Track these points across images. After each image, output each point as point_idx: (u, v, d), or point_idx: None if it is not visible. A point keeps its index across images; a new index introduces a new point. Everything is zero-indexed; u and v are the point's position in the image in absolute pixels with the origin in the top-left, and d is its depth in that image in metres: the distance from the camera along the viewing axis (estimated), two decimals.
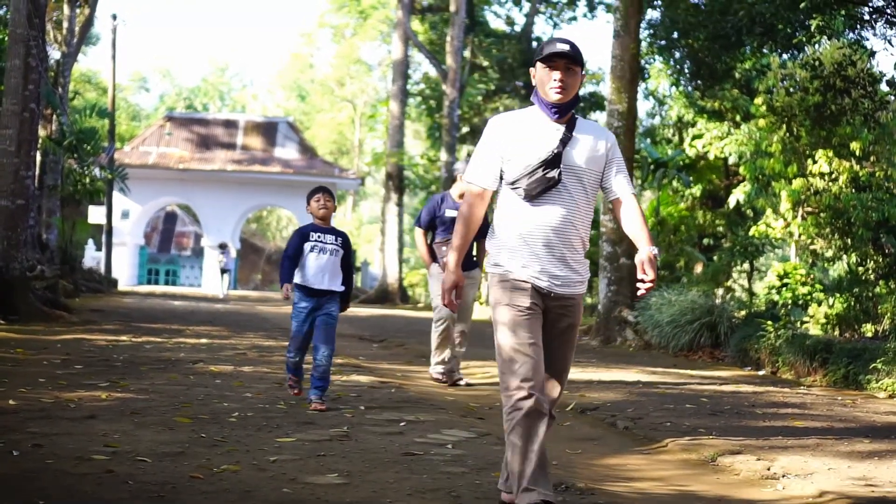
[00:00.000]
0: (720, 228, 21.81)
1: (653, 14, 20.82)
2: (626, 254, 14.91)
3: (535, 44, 34.12)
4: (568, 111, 4.11)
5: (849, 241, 13.30)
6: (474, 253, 8.88)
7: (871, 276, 13.09)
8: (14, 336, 11.28)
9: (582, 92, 28.08)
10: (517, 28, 35.45)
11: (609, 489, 4.85)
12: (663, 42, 20.54)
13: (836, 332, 12.38)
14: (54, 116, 23.79)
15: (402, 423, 6.52)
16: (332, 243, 7.15)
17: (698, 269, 20.31)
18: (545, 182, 4.00)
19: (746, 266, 19.56)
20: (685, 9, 19.37)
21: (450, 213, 8.81)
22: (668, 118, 22.94)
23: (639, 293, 4.11)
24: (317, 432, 6.00)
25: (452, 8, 29.33)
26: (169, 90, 70.13)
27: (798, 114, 13.87)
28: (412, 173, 34.31)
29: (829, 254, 14.14)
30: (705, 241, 21.83)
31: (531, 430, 3.89)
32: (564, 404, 7.57)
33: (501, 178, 4.13)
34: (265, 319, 18.42)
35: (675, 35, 19.94)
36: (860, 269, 13.30)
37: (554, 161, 4.01)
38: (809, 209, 14.04)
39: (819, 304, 12.90)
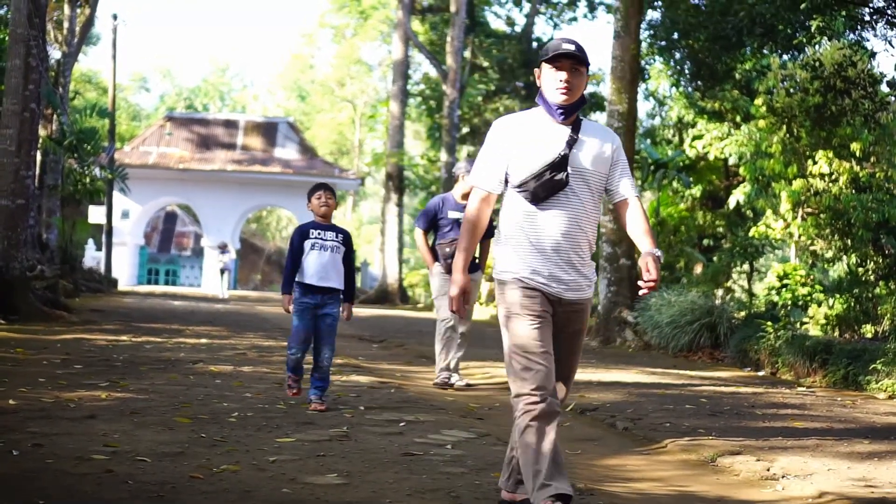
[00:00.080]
0: (720, 229, 21.81)
1: (653, 15, 20.84)
2: (625, 254, 14.92)
3: (535, 44, 34.14)
4: (573, 112, 4.06)
5: (849, 241, 13.31)
6: (476, 254, 8.86)
7: (871, 277, 13.09)
8: (14, 336, 11.29)
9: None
10: (517, 28, 35.46)
11: (608, 490, 4.85)
12: (664, 43, 20.56)
13: (836, 333, 12.38)
14: (55, 116, 23.78)
15: (401, 424, 6.52)
16: (332, 240, 7.09)
17: (698, 269, 20.31)
18: (553, 185, 3.95)
19: (746, 267, 19.56)
20: (685, 9, 19.39)
21: (452, 214, 8.77)
22: (669, 119, 22.95)
23: (641, 292, 4.09)
24: (316, 432, 6.00)
25: (453, 8, 29.34)
26: (169, 90, 70.17)
27: (798, 114, 13.87)
28: (412, 174, 34.32)
29: (829, 255, 14.14)
30: (705, 241, 21.83)
31: (544, 429, 3.86)
32: (564, 405, 7.56)
33: (507, 181, 4.08)
34: (265, 320, 18.42)
35: (676, 36, 19.96)
36: (860, 269, 13.30)
37: (561, 163, 3.96)
38: (809, 210, 14.04)
39: (819, 304, 12.90)
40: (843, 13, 13.68)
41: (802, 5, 13.44)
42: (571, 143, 4.01)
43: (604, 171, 4.11)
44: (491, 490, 4.60)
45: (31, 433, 5.37)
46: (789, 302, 13.30)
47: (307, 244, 7.05)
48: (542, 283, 3.98)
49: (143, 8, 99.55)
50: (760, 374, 11.02)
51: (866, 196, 12.77)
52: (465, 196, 8.74)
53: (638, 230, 4.14)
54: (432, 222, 8.91)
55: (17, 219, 13.93)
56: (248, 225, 52.35)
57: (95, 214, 32.95)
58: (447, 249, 8.68)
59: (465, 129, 33.10)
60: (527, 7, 35.35)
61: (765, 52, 17.60)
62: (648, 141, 22.59)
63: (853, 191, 13.26)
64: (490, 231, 7.77)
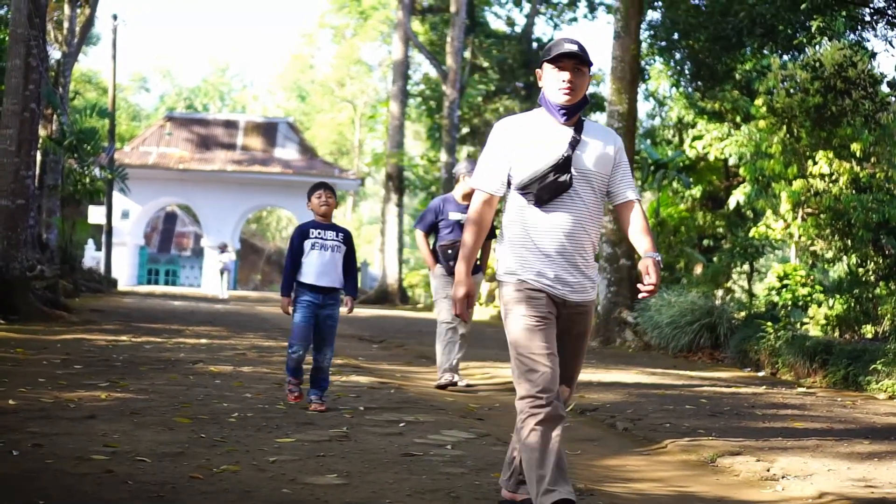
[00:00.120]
0: (720, 229, 21.81)
1: (653, 15, 20.84)
2: (625, 255, 14.92)
3: (535, 45, 34.14)
4: (576, 113, 4.03)
5: (849, 242, 13.30)
6: (477, 256, 8.82)
7: (872, 278, 13.09)
8: (14, 336, 11.28)
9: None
10: (517, 29, 35.46)
11: (608, 490, 4.85)
12: (664, 43, 20.56)
13: (836, 334, 12.38)
14: (55, 116, 23.78)
15: (401, 424, 6.52)
16: (333, 240, 7.04)
17: (698, 270, 20.31)
18: (557, 187, 3.92)
19: (746, 267, 19.58)
20: (686, 10, 19.39)
21: (453, 215, 8.72)
22: (669, 119, 22.94)
23: (640, 296, 4.08)
24: (316, 433, 6.00)
25: (453, 9, 29.34)
26: (169, 90, 70.16)
27: (798, 115, 13.87)
28: (412, 174, 34.32)
29: (830, 255, 14.13)
30: (705, 242, 21.82)
31: (548, 433, 3.82)
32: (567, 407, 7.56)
33: (509, 183, 4.05)
34: (265, 320, 18.42)
35: (676, 36, 19.96)
36: (860, 270, 13.30)
37: (565, 165, 3.93)
38: (809, 210, 14.04)
39: (819, 305, 12.90)
40: (844, 13, 13.69)
41: (803, 6, 13.45)
42: (574, 145, 3.97)
43: (606, 173, 4.08)
44: (491, 490, 4.60)
45: (30, 433, 5.37)
46: (789, 302, 13.30)
47: (307, 244, 7.00)
48: (547, 285, 3.96)
49: (143, 8, 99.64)
50: (760, 374, 11.01)
51: (866, 196, 12.77)
52: (466, 197, 8.73)
53: (638, 234, 4.12)
54: (433, 224, 8.86)
55: (17, 219, 13.93)
56: (248, 225, 52.36)
57: (95, 214, 32.95)
58: (449, 251, 8.64)
59: (465, 130, 33.10)
60: (527, 7, 35.36)
61: (765, 52, 17.60)
62: (648, 141, 22.59)
63: (853, 191, 13.26)
64: (492, 232, 7.76)
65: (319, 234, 7.03)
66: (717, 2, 18.29)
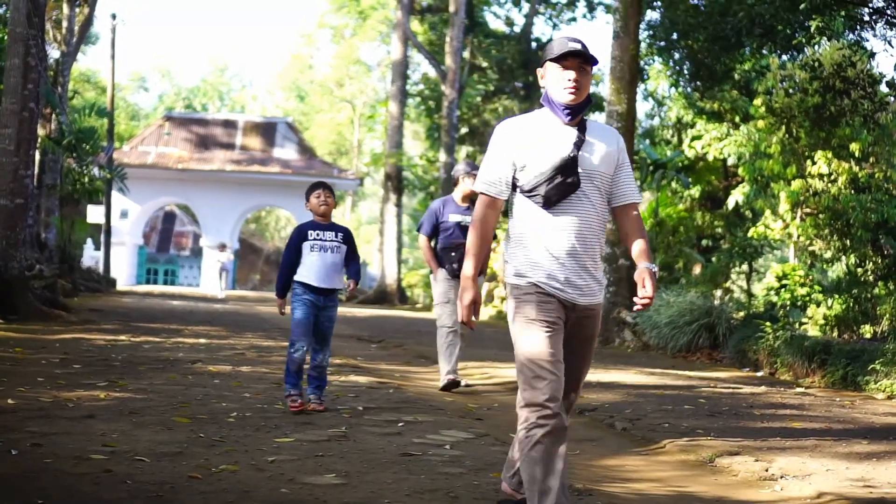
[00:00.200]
0: (719, 230, 21.81)
1: (652, 15, 20.84)
2: (624, 255, 14.91)
3: (534, 45, 34.14)
4: (580, 112, 3.96)
5: (848, 242, 13.31)
6: None
7: (870, 278, 13.10)
8: (13, 335, 11.28)
9: None
10: (517, 29, 35.46)
11: (607, 490, 4.85)
12: (663, 43, 20.56)
13: (835, 334, 12.39)
14: (53, 116, 23.78)
15: (400, 424, 6.52)
16: (332, 240, 6.94)
17: (697, 270, 20.31)
18: (565, 188, 3.85)
19: (745, 267, 19.58)
20: (685, 10, 19.39)
21: (453, 217, 8.63)
22: (668, 119, 22.94)
23: (635, 308, 4.04)
24: (315, 433, 6.00)
25: (452, 8, 29.33)
26: (168, 90, 70.13)
27: (797, 115, 13.88)
28: (411, 174, 34.30)
29: (828, 255, 14.14)
30: (704, 242, 21.83)
31: (554, 447, 3.73)
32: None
33: (514, 185, 3.98)
34: (264, 320, 18.42)
35: (675, 36, 19.95)
36: (859, 270, 13.31)
37: (572, 166, 3.86)
38: (808, 210, 14.05)
39: (818, 305, 12.91)
40: (843, 13, 13.68)
41: (802, 5, 13.44)
42: (579, 145, 3.91)
43: (610, 173, 4.01)
44: (489, 490, 4.60)
45: (29, 433, 5.37)
46: (788, 302, 13.30)
47: (306, 245, 6.91)
48: (557, 289, 3.88)
49: (142, 7, 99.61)
50: (759, 374, 11.02)
51: (865, 196, 12.77)
52: (466, 198, 8.71)
53: (635, 241, 4.08)
54: (435, 227, 8.75)
55: (16, 218, 13.93)
56: (247, 225, 52.35)
57: (94, 214, 32.93)
58: (452, 254, 8.58)
59: (464, 130, 33.09)
60: (526, 7, 35.36)
61: (764, 52, 17.60)
62: (647, 141, 22.59)
63: (852, 191, 13.27)
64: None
65: (318, 235, 6.93)
66: (717, 2, 18.29)
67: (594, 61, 3.96)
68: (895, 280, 12.68)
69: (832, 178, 13.66)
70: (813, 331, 12.32)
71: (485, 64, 33.77)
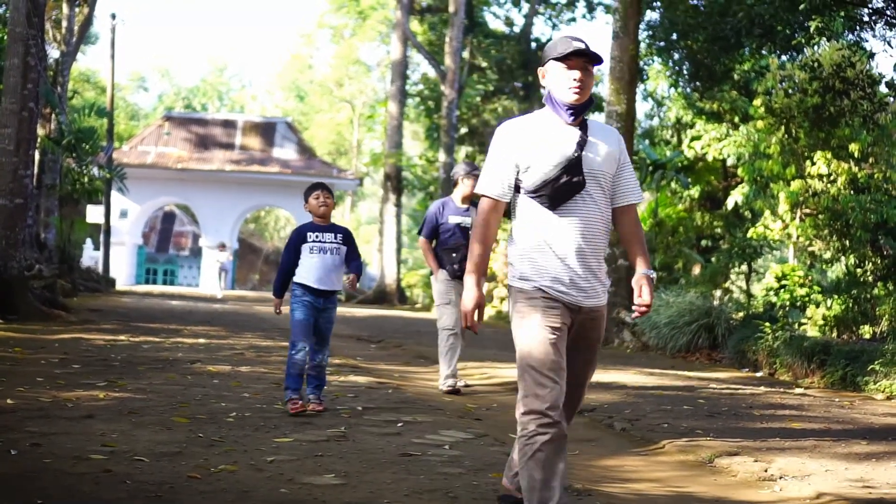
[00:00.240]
0: (718, 230, 21.80)
1: (652, 15, 20.84)
2: (624, 255, 14.91)
3: (533, 45, 34.13)
4: (583, 112, 3.91)
5: (847, 242, 13.31)
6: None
7: (870, 278, 13.10)
8: (12, 335, 11.28)
9: None
10: (516, 29, 35.45)
11: (606, 490, 4.85)
12: (662, 43, 20.56)
13: (834, 334, 12.39)
14: (53, 115, 23.78)
15: (399, 424, 6.52)
16: (331, 241, 6.89)
17: (696, 270, 20.31)
18: (570, 188, 3.81)
19: (744, 268, 19.54)
20: (684, 10, 19.40)
21: (453, 218, 8.60)
22: (667, 119, 22.94)
23: (633, 315, 4.01)
24: (314, 433, 6.00)
25: (451, 9, 29.33)
26: (168, 90, 70.10)
27: (797, 115, 13.88)
28: (410, 174, 34.30)
29: (828, 255, 14.14)
30: (703, 242, 21.82)
31: (555, 456, 3.69)
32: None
33: (518, 187, 3.91)
34: (263, 320, 18.42)
35: (675, 36, 19.96)
36: (858, 270, 13.31)
37: (576, 166, 3.82)
38: (808, 211, 14.04)
39: (817, 305, 12.91)
40: (842, 14, 13.69)
41: (801, 6, 13.44)
42: (582, 144, 3.86)
43: (612, 172, 3.97)
44: (488, 491, 4.60)
45: (29, 433, 5.38)
46: (787, 303, 13.30)
47: (305, 248, 6.87)
48: (563, 292, 3.82)
49: (142, 7, 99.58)
50: (758, 374, 11.02)
51: (865, 197, 12.77)
52: (466, 199, 8.70)
53: (634, 244, 4.05)
54: (435, 229, 8.71)
55: (16, 218, 13.93)
56: (247, 225, 52.33)
57: (94, 214, 32.93)
58: (453, 254, 8.56)
59: (464, 130, 33.08)
60: (525, 7, 35.35)
61: (763, 52, 17.60)
62: (647, 142, 22.60)
63: (851, 192, 13.27)
64: None
65: (318, 237, 6.89)
66: (716, 2, 18.30)
67: (599, 61, 3.91)
68: (894, 281, 12.68)
69: (831, 178, 13.66)
70: (812, 331, 12.32)
71: (484, 64, 33.77)
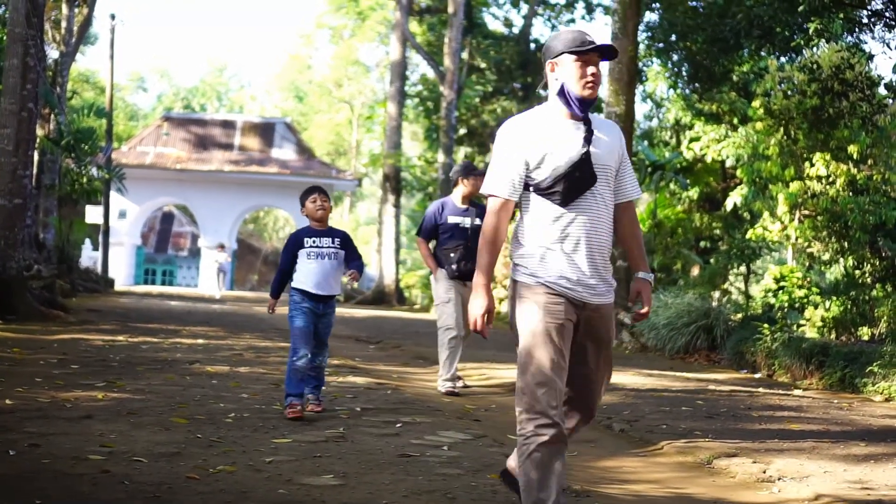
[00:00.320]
0: (717, 231, 21.82)
1: (651, 16, 20.89)
2: (623, 255, 14.92)
3: (532, 45, 34.13)
4: (590, 107, 3.87)
5: (846, 244, 13.32)
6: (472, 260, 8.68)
7: (868, 280, 13.11)
8: (11, 335, 11.28)
9: None
10: (515, 30, 35.47)
11: (605, 491, 4.85)
12: (661, 45, 20.60)
13: (833, 336, 12.40)
14: (52, 116, 23.77)
15: (398, 425, 6.52)
16: (329, 246, 6.82)
17: (695, 271, 20.33)
18: (584, 184, 3.76)
19: (743, 269, 19.57)
20: (683, 11, 19.43)
21: (452, 218, 8.57)
22: (666, 121, 22.96)
23: (632, 319, 4.00)
24: (313, 433, 6.00)
25: (450, 9, 29.33)
26: (167, 90, 70.11)
27: (796, 117, 13.88)
28: (409, 175, 34.30)
29: (826, 257, 14.15)
30: (702, 243, 21.84)
31: (552, 457, 3.67)
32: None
33: (527, 186, 3.83)
34: (262, 320, 18.41)
35: (674, 38, 19.99)
36: (857, 272, 13.32)
37: (587, 161, 3.76)
38: (806, 212, 14.05)
39: (816, 307, 12.91)
40: (841, 15, 13.71)
41: (800, 8, 13.46)
42: (589, 139, 3.80)
43: (616, 166, 3.93)
44: (487, 491, 4.60)
45: (27, 433, 5.37)
46: (786, 304, 13.30)
47: (303, 253, 6.80)
48: (568, 288, 3.76)
49: (141, 8, 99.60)
50: (757, 376, 11.02)
51: (863, 198, 12.78)
52: (465, 199, 8.69)
53: (632, 244, 4.04)
54: (434, 229, 8.70)
55: (15, 218, 13.93)
56: (246, 225, 52.33)
57: (92, 214, 32.91)
58: (451, 254, 8.55)
59: (463, 131, 33.09)
60: (524, 8, 35.37)
61: (762, 54, 17.62)
62: (646, 143, 22.62)
63: (850, 193, 13.27)
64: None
65: (315, 242, 6.81)
66: (715, 3, 18.32)
67: (615, 56, 3.90)
68: (893, 282, 12.69)
69: (830, 180, 13.66)
70: (811, 333, 12.32)
71: (483, 65, 33.77)
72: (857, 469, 5.43)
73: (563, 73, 3.84)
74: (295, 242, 6.87)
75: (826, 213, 13.34)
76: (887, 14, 13.82)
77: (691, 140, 20.33)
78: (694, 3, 20.19)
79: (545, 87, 3.97)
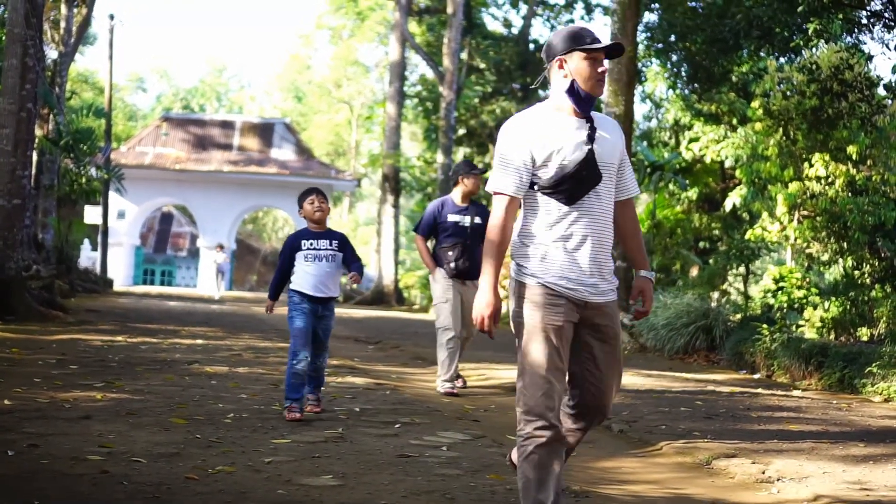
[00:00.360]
0: (716, 232, 21.83)
1: (650, 17, 20.90)
2: (622, 256, 14.91)
3: (531, 46, 34.14)
4: (593, 105, 3.85)
5: (845, 244, 13.31)
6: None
7: (867, 280, 13.11)
8: (10, 336, 11.27)
9: None
10: (514, 30, 35.48)
11: (604, 492, 4.85)
12: (661, 45, 20.60)
13: (832, 336, 12.39)
14: (51, 116, 23.77)
15: (397, 425, 6.52)
16: (326, 248, 6.80)
17: (694, 272, 20.34)
18: (590, 182, 3.73)
19: (742, 269, 19.60)
20: (683, 12, 19.44)
21: (452, 217, 8.56)
22: (665, 121, 22.97)
23: (632, 318, 4.00)
24: (312, 434, 6.00)
25: (450, 10, 29.33)
26: (166, 90, 70.11)
27: (795, 117, 13.88)
28: (408, 175, 34.29)
29: (825, 257, 14.14)
30: (701, 244, 21.85)
31: (550, 458, 3.65)
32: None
33: (532, 184, 3.78)
34: (261, 321, 18.41)
35: (673, 38, 20.00)
36: (856, 272, 13.31)
37: (592, 159, 3.73)
38: (805, 213, 14.04)
39: (815, 307, 12.91)
40: (840, 16, 13.71)
41: (799, 8, 13.46)
42: (593, 137, 3.77)
43: (617, 164, 3.90)
44: (486, 492, 4.60)
45: (26, 433, 5.37)
46: (785, 304, 13.30)
47: (300, 255, 6.78)
48: (569, 289, 3.73)
49: (140, 8, 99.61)
50: (756, 376, 11.02)
51: (862, 199, 12.78)
52: (465, 198, 8.69)
53: (632, 242, 4.03)
54: (432, 228, 8.69)
55: (14, 219, 13.92)
56: (245, 226, 52.34)
57: (91, 215, 32.91)
58: (450, 253, 8.54)
59: (462, 131, 33.09)
60: (524, 9, 35.38)
61: (762, 54, 17.62)
62: (645, 143, 22.63)
63: (849, 194, 13.26)
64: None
65: (312, 244, 6.79)
66: (715, 4, 18.33)
67: (622, 55, 3.91)
68: (892, 283, 12.69)
69: (829, 180, 13.66)
70: (810, 333, 12.32)
71: (482, 65, 33.77)
72: (856, 470, 5.43)
73: (574, 69, 3.79)
74: (292, 245, 6.86)
75: (825, 214, 13.34)
76: (886, 15, 13.82)
77: (690, 140, 20.34)
78: (693, 3, 20.21)
79: (545, 85, 3.94)
